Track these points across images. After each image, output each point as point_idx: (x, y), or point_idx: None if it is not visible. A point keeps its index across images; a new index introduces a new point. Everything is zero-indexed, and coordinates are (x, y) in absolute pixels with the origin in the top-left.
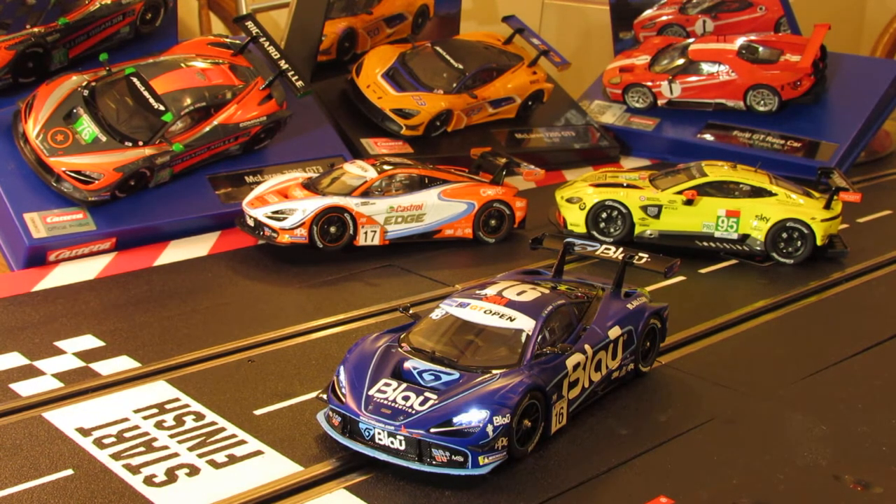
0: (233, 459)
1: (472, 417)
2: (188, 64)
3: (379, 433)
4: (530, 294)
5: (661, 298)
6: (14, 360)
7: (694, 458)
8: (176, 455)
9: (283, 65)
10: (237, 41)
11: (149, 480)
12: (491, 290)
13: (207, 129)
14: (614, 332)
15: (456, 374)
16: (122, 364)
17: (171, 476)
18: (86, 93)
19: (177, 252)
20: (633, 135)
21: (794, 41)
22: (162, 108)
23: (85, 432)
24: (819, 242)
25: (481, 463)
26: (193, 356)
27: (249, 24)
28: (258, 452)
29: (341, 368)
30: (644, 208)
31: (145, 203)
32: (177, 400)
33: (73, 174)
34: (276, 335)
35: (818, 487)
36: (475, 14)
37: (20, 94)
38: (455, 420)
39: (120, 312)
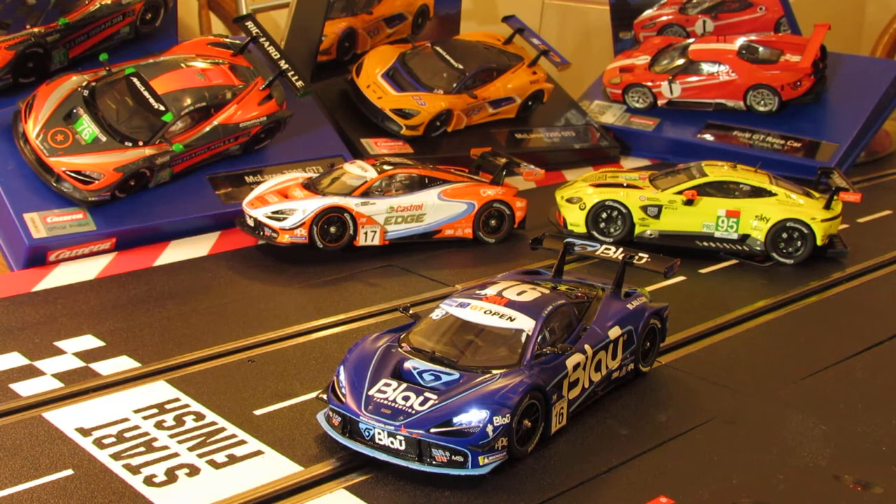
0: (233, 459)
1: (472, 417)
2: (188, 64)
3: (379, 433)
4: (530, 294)
5: (661, 298)
6: (14, 360)
7: (694, 458)
8: (176, 455)
9: (283, 65)
10: (237, 41)
11: (149, 480)
12: (491, 290)
13: (207, 129)
14: (614, 332)
15: (456, 375)
16: (122, 364)
17: (171, 476)
18: (86, 93)
19: (177, 252)
20: (633, 135)
21: (794, 41)
22: (162, 108)
23: (85, 432)
24: (819, 242)
25: (481, 463)
26: (193, 356)
27: (249, 24)
28: (258, 452)
29: (341, 368)
30: (644, 208)
31: (145, 203)
32: (177, 400)
33: (73, 174)
34: (276, 335)
35: (818, 487)
36: (475, 14)
37: (20, 94)
38: (455, 420)
39: (120, 312)
